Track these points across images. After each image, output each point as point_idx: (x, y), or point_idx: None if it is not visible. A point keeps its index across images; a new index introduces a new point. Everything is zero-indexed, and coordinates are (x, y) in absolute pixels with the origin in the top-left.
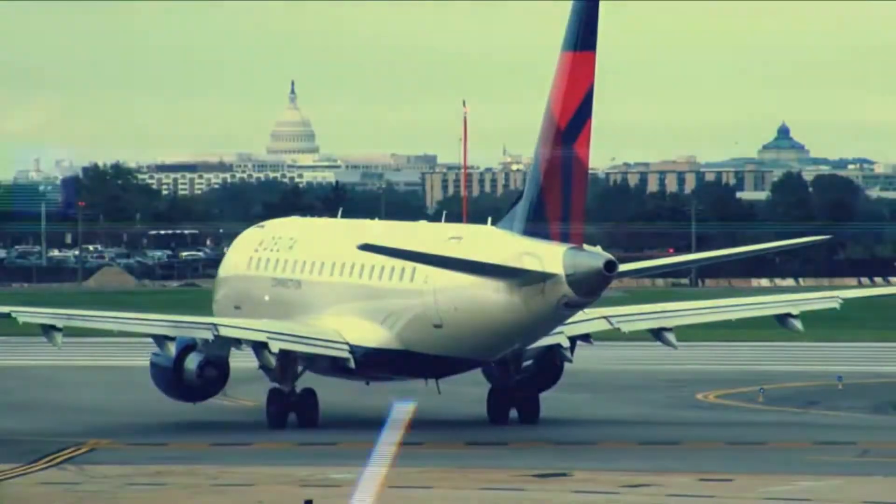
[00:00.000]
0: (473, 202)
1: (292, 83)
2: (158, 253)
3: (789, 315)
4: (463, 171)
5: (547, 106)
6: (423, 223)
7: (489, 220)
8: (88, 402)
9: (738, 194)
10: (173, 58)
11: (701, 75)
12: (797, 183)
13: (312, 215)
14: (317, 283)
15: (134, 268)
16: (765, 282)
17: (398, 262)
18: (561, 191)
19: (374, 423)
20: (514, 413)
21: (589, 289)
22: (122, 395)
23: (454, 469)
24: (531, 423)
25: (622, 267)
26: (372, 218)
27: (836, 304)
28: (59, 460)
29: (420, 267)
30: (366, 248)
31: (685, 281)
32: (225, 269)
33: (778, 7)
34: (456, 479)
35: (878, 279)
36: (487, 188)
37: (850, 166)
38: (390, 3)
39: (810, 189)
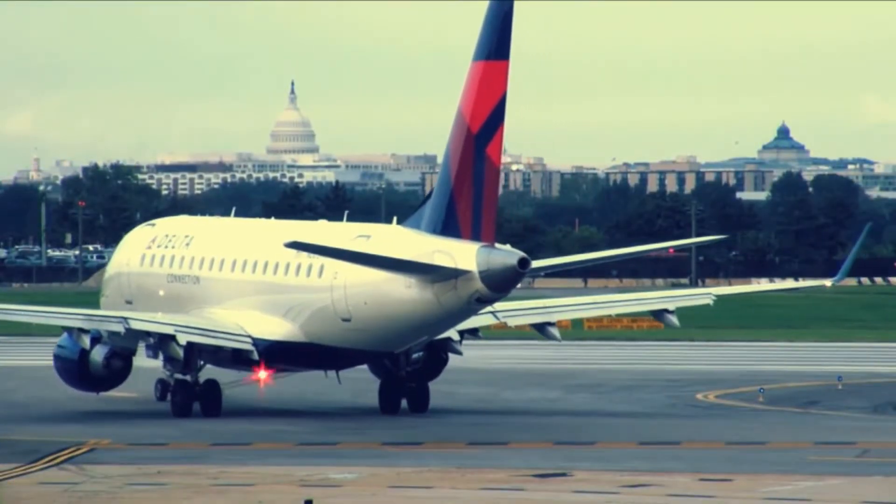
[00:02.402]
0: None
1: (292, 83)
2: None
3: (666, 311)
4: None
5: (458, 110)
6: (323, 222)
7: (395, 219)
8: (88, 402)
9: (738, 194)
10: (174, 57)
11: (701, 75)
12: (797, 183)
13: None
14: (217, 279)
15: None
16: (765, 281)
17: (304, 258)
18: (472, 191)
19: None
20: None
21: (502, 285)
22: (121, 394)
23: (454, 469)
24: (421, 411)
25: (534, 263)
26: (373, 219)
27: (709, 301)
28: (59, 460)
29: (329, 263)
30: (293, 245)
31: (685, 281)
32: (115, 266)
33: (779, 7)
34: (456, 479)
35: (878, 279)
36: None
37: (850, 166)
38: (390, 3)
39: (810, 189)
